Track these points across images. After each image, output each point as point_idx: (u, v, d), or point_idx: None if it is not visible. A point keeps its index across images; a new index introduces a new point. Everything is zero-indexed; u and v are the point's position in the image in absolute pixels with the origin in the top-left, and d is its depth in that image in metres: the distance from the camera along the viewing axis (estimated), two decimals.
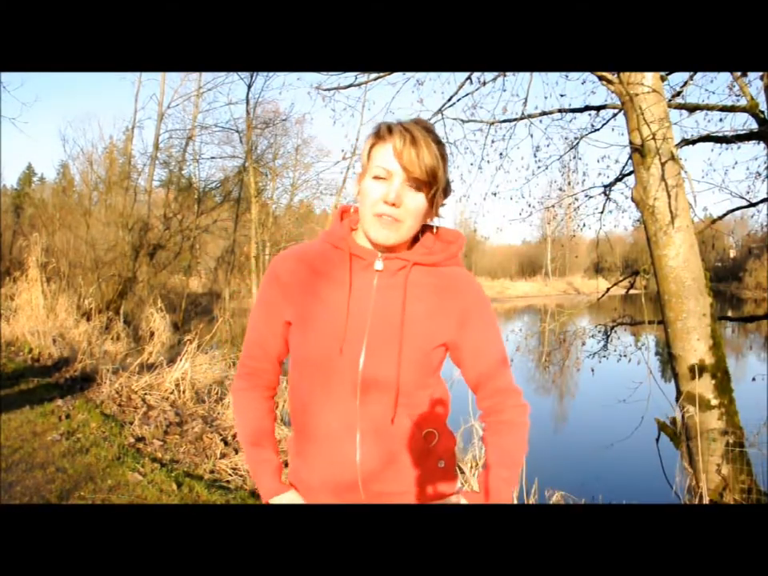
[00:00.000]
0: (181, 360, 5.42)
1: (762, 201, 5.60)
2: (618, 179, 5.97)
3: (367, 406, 1.07)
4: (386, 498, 1.09)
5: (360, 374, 1.06)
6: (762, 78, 4.90)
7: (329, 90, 5.56)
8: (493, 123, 5.67)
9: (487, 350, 1.15)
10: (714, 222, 5.57)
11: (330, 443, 1.08)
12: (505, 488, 1.10)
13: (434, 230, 1.17)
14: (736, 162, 6.16)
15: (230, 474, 3.72)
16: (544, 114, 5.65)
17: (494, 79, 5.47)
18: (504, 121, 5.69)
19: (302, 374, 1.11)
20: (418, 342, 1.08)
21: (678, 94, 5.63)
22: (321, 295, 1.10)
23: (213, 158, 18.12)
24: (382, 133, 1.05)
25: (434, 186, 1.05)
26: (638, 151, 4.01)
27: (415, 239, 1.15)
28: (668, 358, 4.22)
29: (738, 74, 4.97)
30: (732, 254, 35.41)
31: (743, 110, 5.16)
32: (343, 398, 1.07)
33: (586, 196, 6.26)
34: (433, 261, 1.13)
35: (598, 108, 5.80)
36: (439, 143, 1.06)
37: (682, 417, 3.91)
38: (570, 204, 6.71)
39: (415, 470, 1.11)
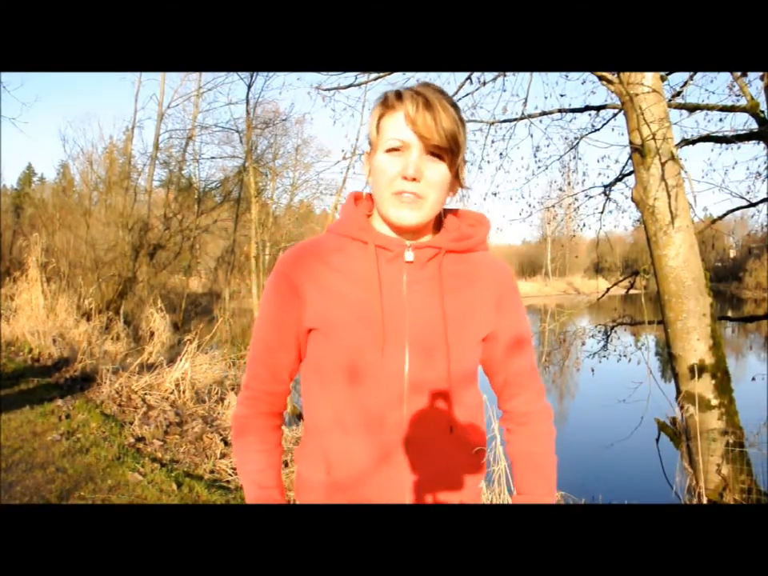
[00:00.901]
0: (181, 360, 5.43)
1: (762, 201, 5.61)
2: (618, 179, 5.97)
3: (416, 415, 0.96)
4: None
5: (406, 378, 0.95)
6: (762, 77, 4.90)
7: (329, 89, 5.55)
8: (493, 123, 5.66)
9: (521, 342, 1.06)
10: (714, 222, 5.57)
11: (373, 465, 0.97)
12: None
13: (456, 213, 1.06)
14: (736, 162, 6.17)
15: (229, 474, 3.73)
16: (544, 114, 5.64)
17: (494, 79, 5.47)
18: (504, 121, 5.69)
19: (328, 385, 0.98)
20: (461, 338, 0.98)
21: (678, 94, 5.63)
22: (345, 295, 0.96)
23: (213, 158, 18.14)
24: (391, 101, 0.93)
25: (455, 152, 0.93)
26: (638, 151, 4.01)
27: (438, 222, 1.03)
28: (668, 358, 4.22)
29: (738, 73, 4.97)
30: (732, 254, 35.40)
31: (743, 110, 5.16)
32: (386, 407, 0.95)
33: (586, 196, 6.27)
34: (465, 246, 1.01)
35: (598, 108, 5.80)
36: (455, 105, 0.94)
37: (682, 417, 3.91)
38: (570, 204, 6.71)
39: (462, 488, 1.03)
